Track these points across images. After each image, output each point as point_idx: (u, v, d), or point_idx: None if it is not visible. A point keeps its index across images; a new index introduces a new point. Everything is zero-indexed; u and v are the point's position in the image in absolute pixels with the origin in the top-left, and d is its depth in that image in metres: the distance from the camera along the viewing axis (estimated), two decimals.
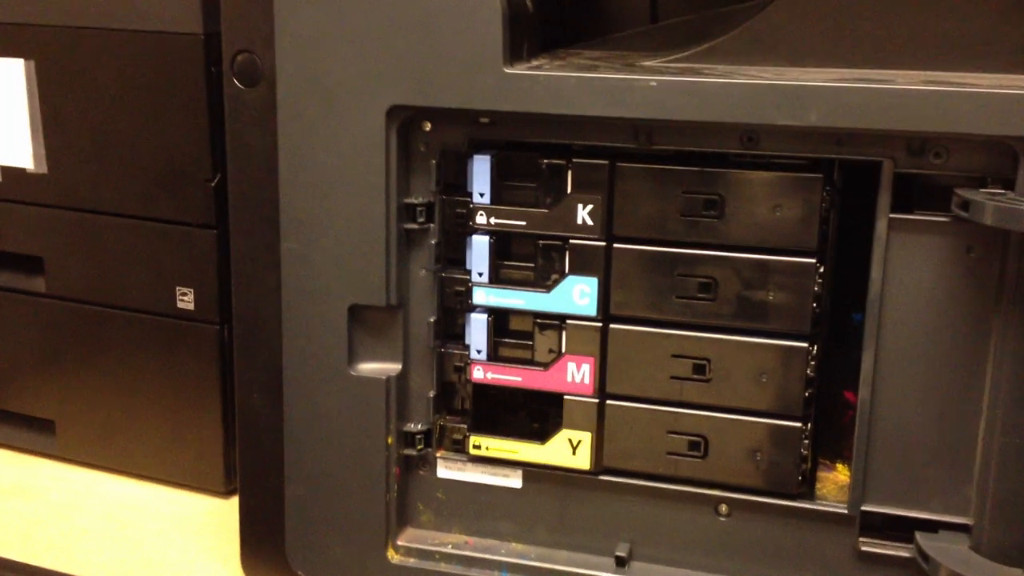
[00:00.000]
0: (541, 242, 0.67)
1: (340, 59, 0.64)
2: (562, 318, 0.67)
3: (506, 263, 0.68)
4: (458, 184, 0.68)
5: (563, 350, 0.67)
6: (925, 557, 0.62)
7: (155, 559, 0.80)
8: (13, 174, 0.88)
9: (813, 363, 0.64)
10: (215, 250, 0.83)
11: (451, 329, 0.70)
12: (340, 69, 0.65)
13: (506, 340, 0.69)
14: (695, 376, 0.65)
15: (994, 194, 0.57)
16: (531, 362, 0.68)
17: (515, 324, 0.69)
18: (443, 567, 0.71)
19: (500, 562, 0.70)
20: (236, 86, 0.67)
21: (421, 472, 0.72)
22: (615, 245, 0.65)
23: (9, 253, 0.90)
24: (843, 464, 0.68)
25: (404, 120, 0.65)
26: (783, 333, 0.64)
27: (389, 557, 0.71)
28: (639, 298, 0.65)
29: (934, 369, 0.62)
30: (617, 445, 0.68)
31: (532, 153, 0.66)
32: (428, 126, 0.67)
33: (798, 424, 0.64)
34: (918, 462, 0.63)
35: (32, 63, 0.85)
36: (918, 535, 0.63)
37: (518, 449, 0.70)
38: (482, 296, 0.68)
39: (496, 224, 0.67)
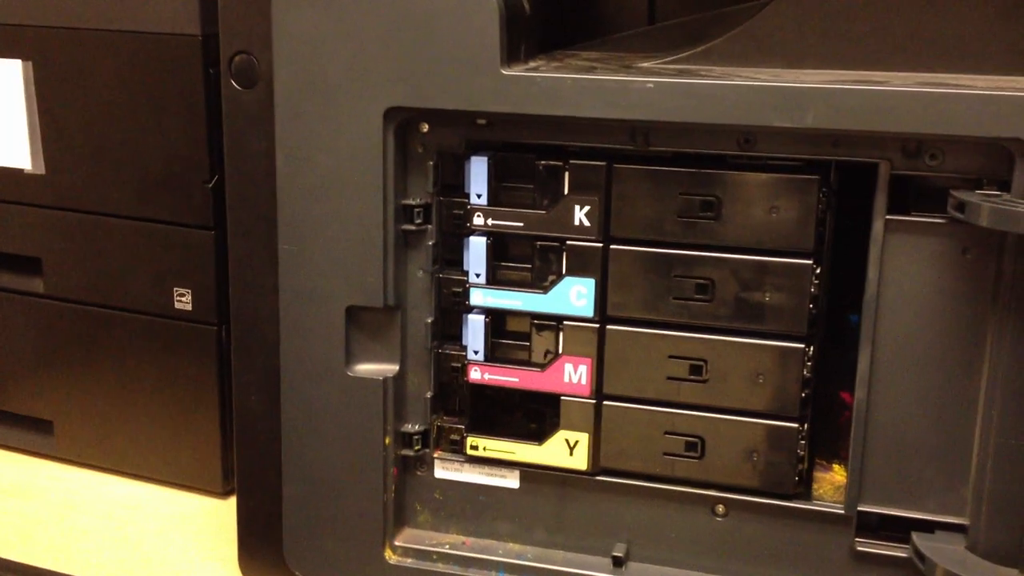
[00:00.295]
0: (538, 243, 0.67)
1: (337, 61, 0.65)
2: (559, 319, 0.67)
3: (503, 264, 0.68)
4: (455, 185, 0.68)
5: (560, 351, 0.68)
6: (921, 557, 0.62)
7: (153, 559, 0.80)
8: (11, 175, 0.88)
9: (809, 364, 0.64)
10: (213, 251, 0.83)
11: (448, 330, 0.71)
12: (337, 71, 0.65)
13: (503, 341, 0.69)
14: (692, 377, 0.65)
15: (990, 196, 0.58)
16: (528, 363, 0.69)
17: (512, 325, 0.69)
18: (440, 567, 0.71)
19: (497, 562, 0.70)
20: (234, 87, 0.68)
21: (418, 472, 0.72)
22: (612, 246, 0.65)
23: (7, 254, 0.90)
24: (839, 464, 0.68)
25: (401, 121, 0.66)
26: (780, 334, 0.64)
27: (387, 557, 0.72)
28: (636, 299, 0.66)
29: (930, 370, 0.62)
30: (614, 446, 0.68)
31: (529, 154, 0.66)
32: (425, 127, 0.67)
33: (795, 425, 0.64)
34: (914, 462, 0.63)
35: (30, 64, 0.85)
36: (914, 535, 0.63)
37: (515, 450, 0.70)
38: (479, 297, 0.68)
39: (493, 225, 0.67)
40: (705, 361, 0.65)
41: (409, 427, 0.71)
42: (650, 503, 0.68)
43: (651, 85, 0.60)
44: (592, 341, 0.67)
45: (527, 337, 0.68)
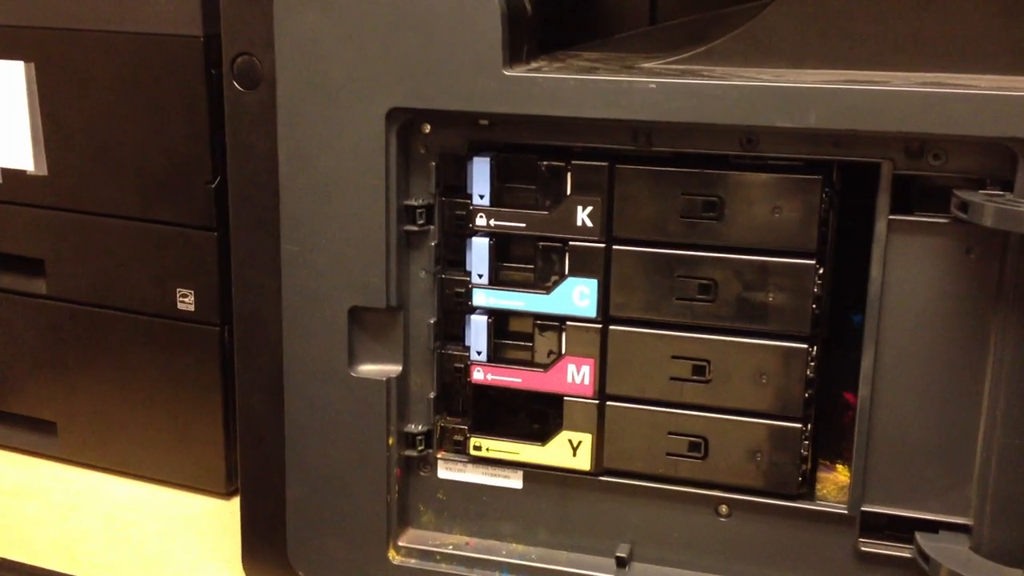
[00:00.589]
0: (541, 244, 0.67)
1: (340, 61, 0.65)
2: (562, 319, 0.67)
3: (506, 265, 0.68)
4: (458, 186, 0.68)
5: (563, 351, 0.68)
6: (925, 557, 0.62)
7: (156, 560, 0.80)
8: (13, 176, 0.88)
9: (813, 364, 0.64)
10: (215, 252, 0.83)
11: (451, 330, 0.71)
12: (340, 71, 0.65)
13: (506, 341, 0.69)
14: (695, 377, 0.65)
15: (993, 195, 0.58)
16: (531, 363, 0.69)
17: (515, 325, 0.69)
18: (444, 568, 0.71)
19: (501, 563, 0.70)
20: (236, 88, 0.67)
21: (422, 473, 0.72)
22: (615, 247, 0.65)
23: (9, 255, 0.91)
24: (843, 465, 0.68)
25: (404, 122, 0.66)
26: (783, 334, 0.64)
27: (390, 558, 0.72)
28: (639, 299, 0.66)
29: (934, 370, 0.62)
30: (617, 446, 0.68)
31: (531, 155, 0.66)
32: (428, 128, 0.67)
33: (798, 425, 0.64)
34: (918, 462, 0.63)
35: (32, 65, 0.85)
36: (918, 535, 0.63)
37: (518, 450, 0.70)
38: (482, 298, 0.68)
39: (496, 226, 0.67)
40: (708, 361, 0.65)
41: (412, 428, 0.71)
42: (653, 503, 0.68)
43: (653, 85, 0.60)
44: (595, 341, 0.67)
45: (530, 338, 0.68)
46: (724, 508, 0.67)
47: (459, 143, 0.67)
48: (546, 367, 0.68)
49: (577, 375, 0.67)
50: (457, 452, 0.72)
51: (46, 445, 0.94)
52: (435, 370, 0.70)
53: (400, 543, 0.72)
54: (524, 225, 0.66)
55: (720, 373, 0.65)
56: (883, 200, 0.60)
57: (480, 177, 0.67)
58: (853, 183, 0.63)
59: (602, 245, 0.65)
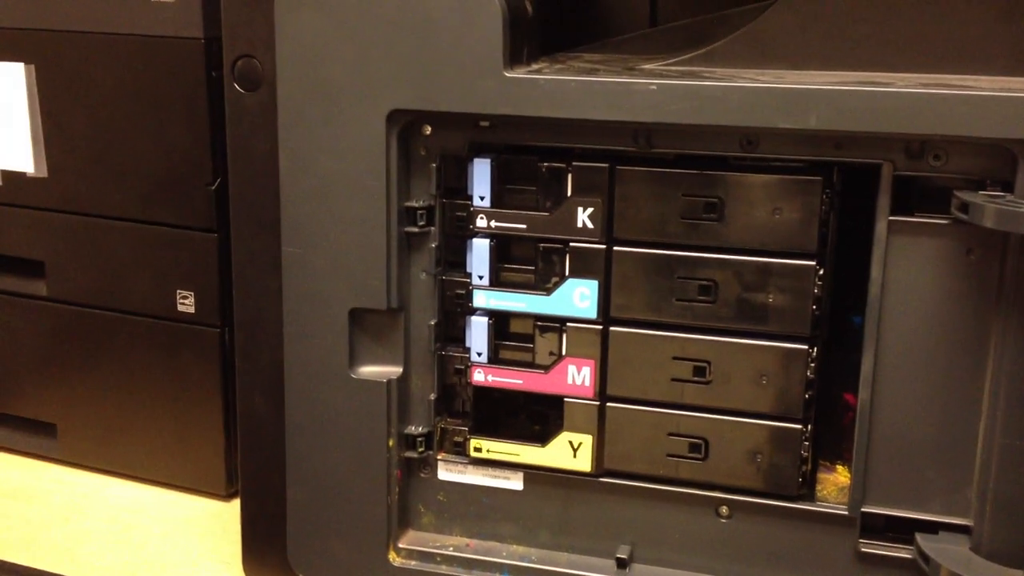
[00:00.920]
0: (541, 245, 0.67)
1: (341, 63, 0.65)
2: (562, 321, 0.67)
3: (506, 266, 0.68)
4: (458, 187, 0.68)
5: (564, 352, 0.68)
6: (925, 558, 0.62)
7: (157, 562, 0.80)
8: (14, 178, 0.88)
9: (813, 365, 0.64)
10: (216, 254, 0.83)
11: (452, 332, 0.71)
12: (341, 73, 0.65)
13: (507, 343, 0.69)
14: (695, 378, 0.65)
15: (993, 196, 0.58)
16: (532, 365, 0.69)
17: (516, 327, 0.69)
18: (444, 569, 0.71)
19: (501, 564, 0.70)
20: (237, 90, 0.68)
21: (422, 474, 0.72)
22: (615, 248, 0.65)
23: (10, 257, 0.91)
24: (843, 466, 0.68)
25: (404, 124, 0.66)
26: (783, 335, 0.64)
27: (390, 559, 0.72)
28: (639, 301, 0.66)
29: (934, 371, 0.62)
30: (618, 447, 0.68)
31: (532, 156, 0.66)
32: (428, 130, 0.67)
33: (798, 426, 0.64)
34: (918, 463, 0.63)
35: (32, 67, 0.85)
36: (918, 536, 0.63)
37: (519, 451, 0.70)
38: (482, 299, 0.68)
39: (496, 227, 0.67)
40: (708, 362, 0.65)
41: (413, 429, 0.71)
42: (654, 505, 0.68)
43: (654, 87, 0.60)
44: (595, 343, 0.67)
45: (530, 339, 0.68)
46: (724, 509, 0.67)
47: (460, 144, 0.67)
48: (547, 368, 0.68)
49: (577, 376, 0.67)
50: (457, 453, 0.72)
51: (46, 447, 0.94)
52: (435, 371, 0.70)
53: (400, 544, 0.72)
54: (525, 226, 0.67)
55: (720, 374, 0.65)
56: (883, 201, 0.60)
57: (481, 178, 0.67)
58: (853, 184, 0.63)
59: (603, 246, 0.65)
